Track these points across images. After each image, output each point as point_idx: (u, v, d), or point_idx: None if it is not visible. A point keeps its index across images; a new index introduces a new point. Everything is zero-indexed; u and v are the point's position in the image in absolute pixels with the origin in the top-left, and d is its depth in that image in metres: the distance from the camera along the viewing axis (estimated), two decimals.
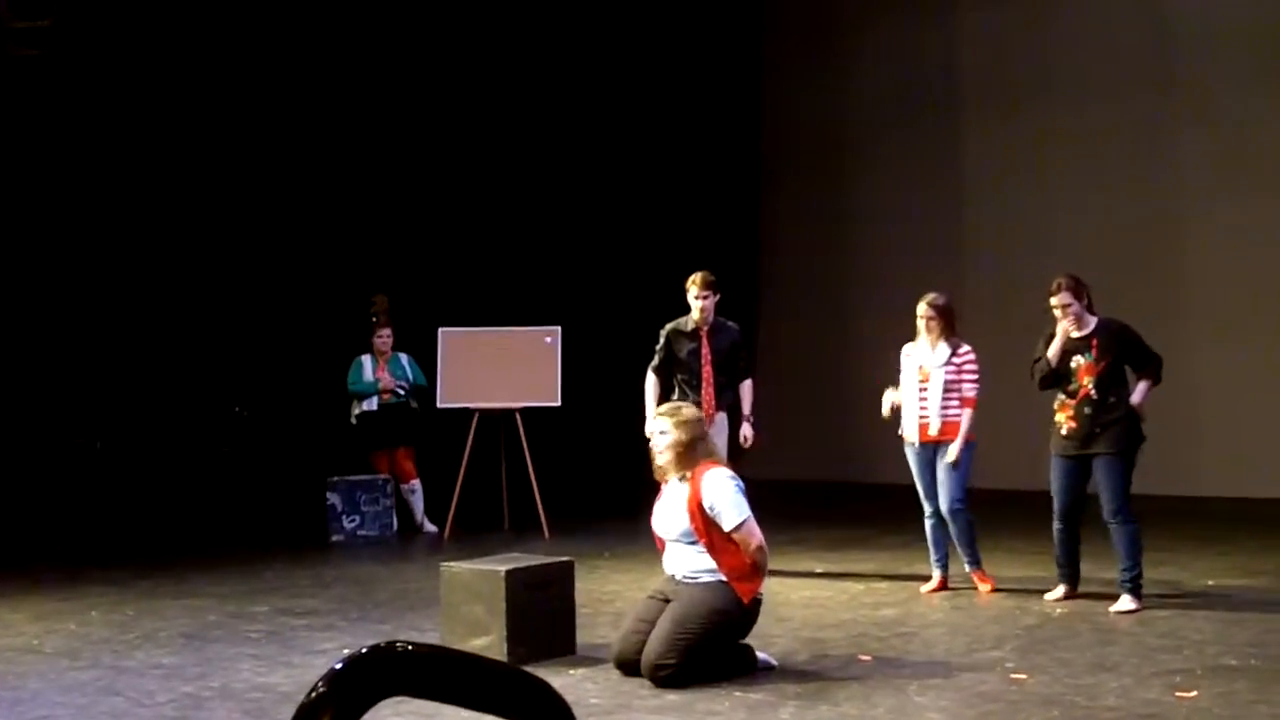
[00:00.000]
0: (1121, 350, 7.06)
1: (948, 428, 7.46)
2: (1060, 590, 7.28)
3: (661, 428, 5.94)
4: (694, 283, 8.29)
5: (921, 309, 7.57)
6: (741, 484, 5.83)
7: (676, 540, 5.82)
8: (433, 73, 12.42)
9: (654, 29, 13.66)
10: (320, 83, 11.79)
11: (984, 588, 7.55)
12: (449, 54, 12.53)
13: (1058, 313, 7.08)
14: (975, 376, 7.53)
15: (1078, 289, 7.06)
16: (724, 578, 5.67)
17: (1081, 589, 7.29)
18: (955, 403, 7.49)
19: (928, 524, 7.65)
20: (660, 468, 5.95)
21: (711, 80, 14.06)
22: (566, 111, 13.24)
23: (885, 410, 7.69)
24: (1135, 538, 6.97)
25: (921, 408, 7.51)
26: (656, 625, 5.64)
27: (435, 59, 12.43)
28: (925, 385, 7.51)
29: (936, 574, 7.67)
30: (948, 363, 7.51)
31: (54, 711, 5.40)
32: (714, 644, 5.62)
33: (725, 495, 5.70)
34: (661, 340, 8.40)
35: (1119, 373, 7.07)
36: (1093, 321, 7.08)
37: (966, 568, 7.64)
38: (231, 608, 7.53)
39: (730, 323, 8.48)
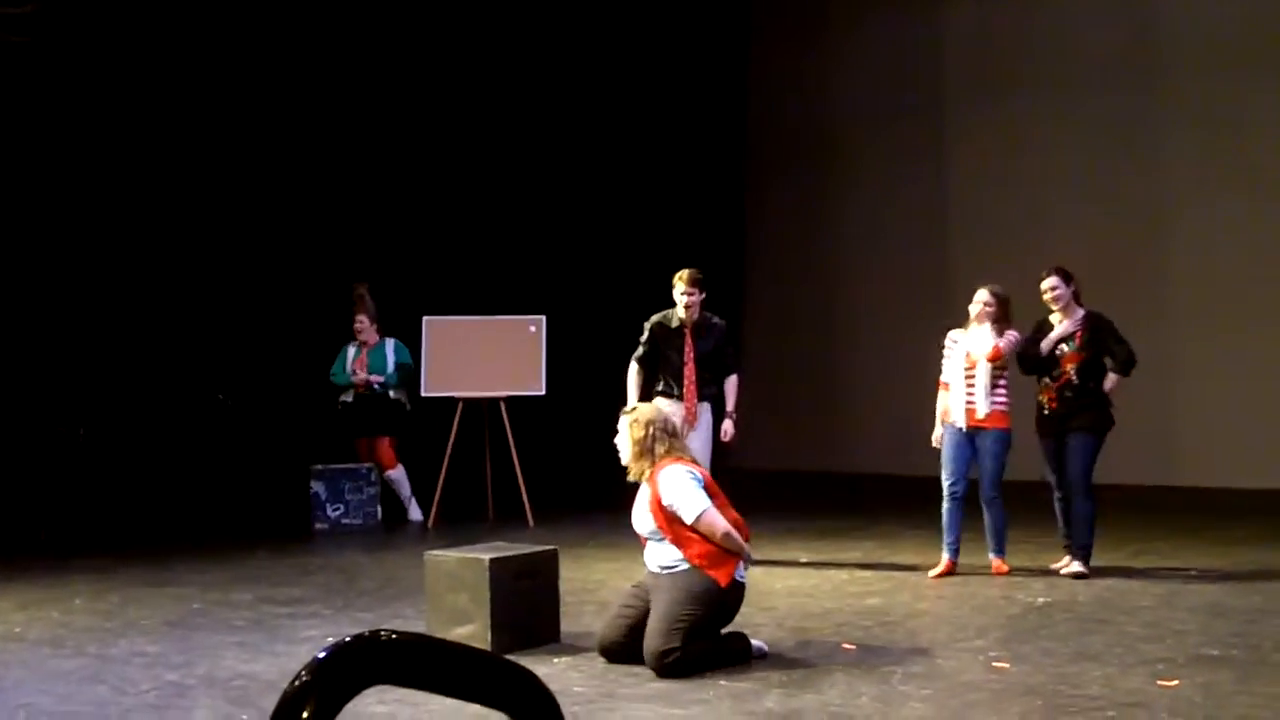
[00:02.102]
0: (1103, 344, 7.61)
1: (993, 415, 7.59)
2: (1067, 561, 7.62)
3: (618, 427, 5.99)
4: (680, 279, 8.25)
5: (983, 295, 7.69)
6: (699, 476, 5.82)
7: (648, 537, 5.88)
8: (420, 63, 12.38)
9: (641, 25, 13.63)
10: (306, 72, 11.75)
11: (1000, 568, 7.72)
12: (436, 45, 12.49)
13: (1047, 297, 7.65)
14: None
15: (1066, 276, 7.65)
16: (699, 566, 5.69)
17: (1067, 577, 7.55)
18: (1003, 393, 7.61)
19: (946, 505, 7.70)
20: (627, 467, 6.00)
21: (698, 75, 14.05)
22: (555, 105, 13.21)
23: (936, 439, 7.80)
24: (1092, 516, 7.54)
25: (969, 394, 7.62)
26: (649, 621, 5.64)
27: (422, 50, 12.39)
28: (972, 372, 7.61)
29: (946, 557, 7.71)
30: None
31: (37, 700, 5.37)
32: (708, 625, 5.63)
33: (681, 491, 5.71)
34: (646, 332, 8.38)
35: (1098, 363, 7.63)
36: (1080, 313, 7.64)
37: (990, 555, 7.78)
38: (215, 596, 7.52)
39: (716, 318, 8.44)
